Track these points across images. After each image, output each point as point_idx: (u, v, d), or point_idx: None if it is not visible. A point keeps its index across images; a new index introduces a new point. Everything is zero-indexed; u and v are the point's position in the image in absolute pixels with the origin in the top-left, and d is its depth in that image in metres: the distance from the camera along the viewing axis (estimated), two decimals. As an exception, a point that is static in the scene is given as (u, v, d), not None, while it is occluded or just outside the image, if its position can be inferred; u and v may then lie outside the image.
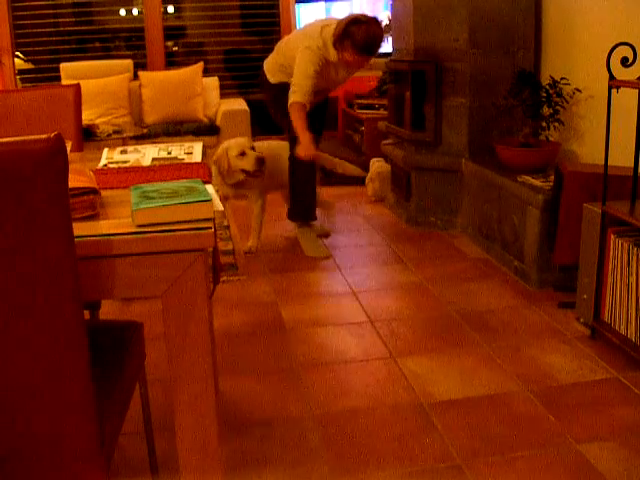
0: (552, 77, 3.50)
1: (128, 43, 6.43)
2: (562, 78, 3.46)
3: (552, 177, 3.16)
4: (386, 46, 5.67)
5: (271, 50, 3.83)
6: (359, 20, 3.33)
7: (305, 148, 3.45)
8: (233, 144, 3.67)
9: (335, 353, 2.64)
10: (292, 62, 3.55)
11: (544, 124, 3.53)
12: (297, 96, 3.43)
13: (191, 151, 2.06)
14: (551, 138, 3.66)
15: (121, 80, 5.69)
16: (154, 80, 5.76)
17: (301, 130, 3.46)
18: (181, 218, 1.35)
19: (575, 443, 2.02)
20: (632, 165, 2.54)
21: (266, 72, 3.78)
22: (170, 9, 6.50)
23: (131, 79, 5.81)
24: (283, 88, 3.59)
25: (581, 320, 2.76)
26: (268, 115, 4.13)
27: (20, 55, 6.14)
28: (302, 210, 3.82)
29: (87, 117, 5.04)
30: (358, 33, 3.28)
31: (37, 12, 6.03)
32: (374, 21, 3.37)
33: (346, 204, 4.78)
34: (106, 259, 1.31)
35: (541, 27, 3.88)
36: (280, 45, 3.79)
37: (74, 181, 1.40)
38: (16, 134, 1.10)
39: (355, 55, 3.34)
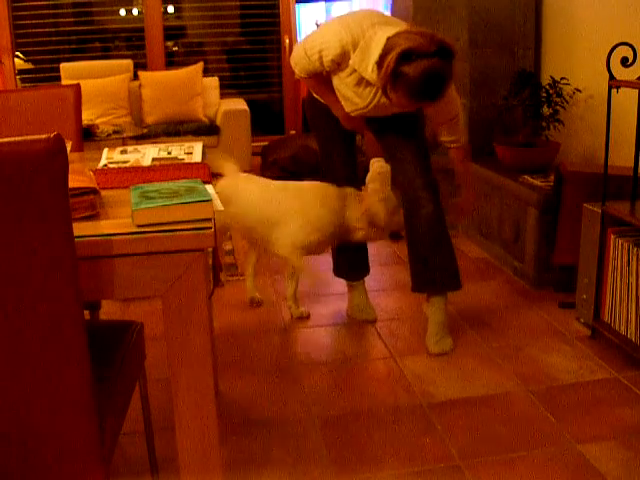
0: (552, 77, 3.49)
1: (128, 43, 6.43)
2: (562, 78, 3.46)
3: (552, 177, 3.16)
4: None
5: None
6: (413, 52, 2.12)
7: (345, 120, 2.62)
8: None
9: (335, 353, 2.64)
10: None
11: (544, 124, 3.53)
12: (295, 66, 2.53)
13: (191, 151, 2.06)
14: (551, 138, 3.66)
15: (121, 80, 5.69)
16: (154, 80, 5.76)
17: (329, 102, 2.61)
18: (181, 218, 1.35)
19: (575, 443, 2.02)
20: (632, 165, 2.54)
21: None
22: (170, 9, 6.50)
23: (131, 79, 5.81)
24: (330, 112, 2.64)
25: (581, 320, 2.76)
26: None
27: (20, 55, 6.14)
28: (436, 274, 2.65)
29: (87, 117, 5.03)
30: (413, 74, 2.12)
31: (37, 12, 6.03)
32: (440, 52, 2.14)
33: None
34: (106, 259, 1.31)
35: (541, 27, 3.88)
36: None
37: (74, 181, 1.40)
38: (16, 134, 1.10)
39: (408, 101, 2.23)
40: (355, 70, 2.35)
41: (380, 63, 2.20)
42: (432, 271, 2.63)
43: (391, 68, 2.14)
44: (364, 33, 2.30)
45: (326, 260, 3.05)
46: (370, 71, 2.28)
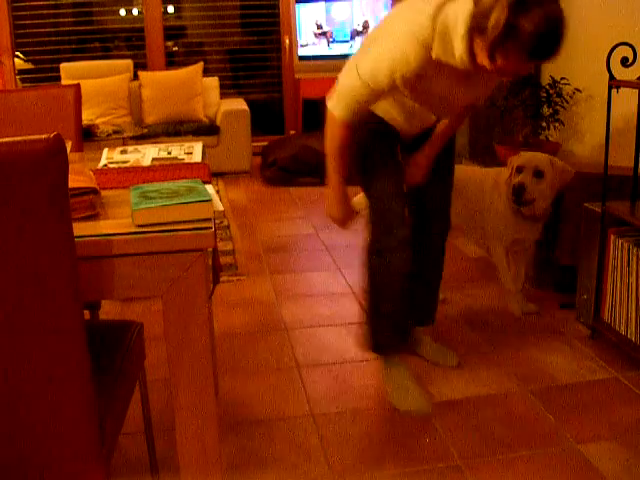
0: (552, 77, 3.50)
1: (128, 43, 6.44)
2: (562, 78, 3.46)
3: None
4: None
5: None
6: (528, 1, 1.73)
7: (331, 208, 2.25)
8: (530, 155, 2.72)
9: (335, 353, 2.64)
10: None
11: (544, 124, 3.53)
12: (337, 104, 2.06)
13: (191, 151, 2.06)
14: (551, 138, 3.66)
15: (121, 80, 5.69)
16: (154, 80, 5.76)
17: (331, 172, 2.17)
18: (181, 218, 1.35)
19: (575, 443, 2.02)
20: (632, 165, 2.54)
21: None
22: (170, 9, 6.51)
23: (131, 79, 5.81)
24: (374, 131, 2.23)
25: (581, 320, 2.76)
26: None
27: (20, 55, 6.15)
28: (380, 330, 2.33)
29: (87, 117, 5.04)
30: (533, 25, 1.72)
31: (37, 12, 6.03)
32: None
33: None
34: (106, 259, 1.31)
35: (541, 27, 3.87)
36: (367, 38, 2.17)
37: (74, 181, 1.40)
38: (16, 134, 1.10)
39: (523, 61, 1.82)
40: (438, 63, 1.94)
41: (479, 25, 1.80)
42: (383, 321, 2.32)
43: (503, 22, 1.74)
44: (436, 18, 1.89)
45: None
46: (460, 52, 1.89)
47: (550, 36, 1.77)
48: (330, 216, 2.28)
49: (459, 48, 1.88)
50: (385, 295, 2.27)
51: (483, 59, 1.86)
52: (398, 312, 2.29)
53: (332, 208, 2.25)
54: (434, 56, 1.92)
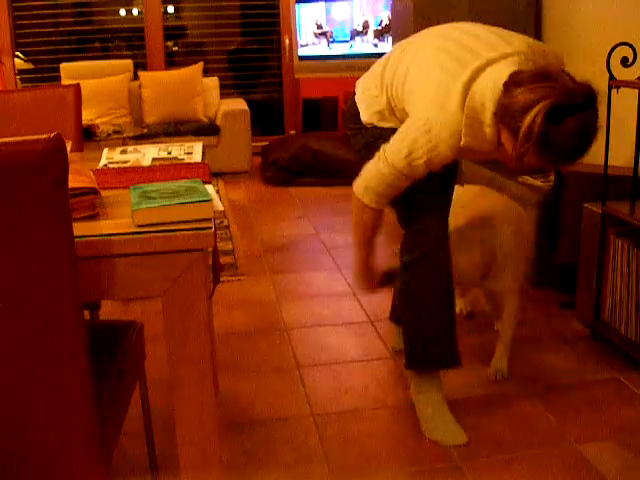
0: (552, 77, 3.49)
1: (128, 43, 6.44)
2: (562, 78, 3.45)
3: (552, 177, 3.16)
4: (386, 47, 5.69)
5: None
6: (562, 108, 1.63)
7: (356, 278, 2.25)
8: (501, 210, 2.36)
9: (335, 353, 2.64)
10: (409, 104, 1.96)
11: (544, 124, 3.52)
12: (363, 190, 2.00)
13: (191, 151, 2.06)
14: (551, 138, 3.66)
15: (121, 80, 5.69)
16: (154, 80, 5.76)
17: (357, 248, 2.17)
18: (181, 218, 1.35)
19: (575, 443, 2.02)
20: (632, 165, 2.54)
21: (357, 100, 2.15)
22: (170, 9, 6.51)
23: (131, 79, 5.82)
24: (382, 137, 2.02)
25: (581, 320, 2.76)
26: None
27: (20, 55, 6.15)
28: (423, 348, 2.13)
29: (87, 117, 5.04)
30: (566, 139, 1.65)
31: (37, 12, 6.03)
32: (590, 100, 1.67)
33: (346, 204, 4.78)
34: (106, 259, 1.31)
35: (541, 27, 3.88)
36: (396, 56, 2.05)
37: (74, 181, 1.40)
38: (16, 134, 1.10)
39: (549, 163, 1.76)
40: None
41: (508, 122, 1.72)
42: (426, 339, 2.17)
43: (538, 131, 1.64)
44: (464, 102, 1.81)
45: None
46: (489, 137, 1.84)
47: (582, 146, 1.69)
48: (356, 284, 2.27)
49: (489, 133, 1.83)
50: (431, 300, 2.10)
51: (507, 146, 1.80)
52: (444, 322, 2.11)
53: (357, 277, 2.22)
54: (462, 144, 1.86)
